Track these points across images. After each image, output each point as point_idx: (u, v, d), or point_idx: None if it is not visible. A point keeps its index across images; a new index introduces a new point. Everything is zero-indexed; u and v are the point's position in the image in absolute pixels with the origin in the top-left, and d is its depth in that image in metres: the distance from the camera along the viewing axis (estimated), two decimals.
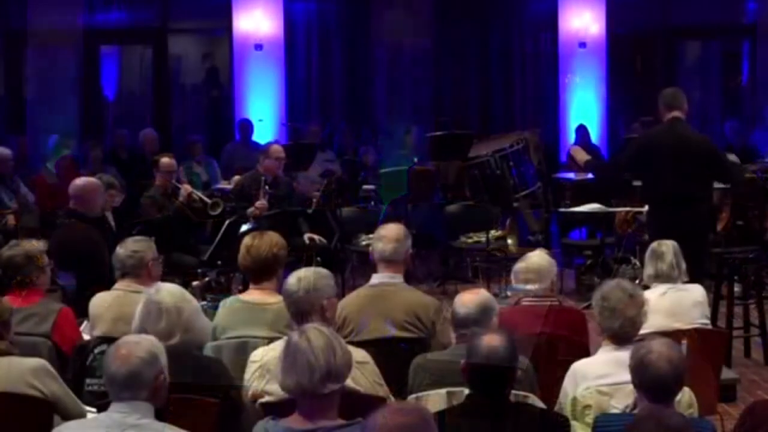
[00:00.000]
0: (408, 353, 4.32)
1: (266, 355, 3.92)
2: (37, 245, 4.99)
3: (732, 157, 9.22)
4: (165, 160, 8.16)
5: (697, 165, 6.60)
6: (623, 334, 4.00)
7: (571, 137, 12.40)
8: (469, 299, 4.10)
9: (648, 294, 5.08)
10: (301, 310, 4.03)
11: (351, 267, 9.26)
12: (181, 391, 3.58)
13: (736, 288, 7.34)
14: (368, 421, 2.73)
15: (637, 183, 8.43)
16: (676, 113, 6.68)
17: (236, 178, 9.81)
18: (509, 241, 9.23)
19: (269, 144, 9.06)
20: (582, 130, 12.14)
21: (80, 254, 6.59)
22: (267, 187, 8.24)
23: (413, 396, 3.93)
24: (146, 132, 11.09)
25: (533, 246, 7.72)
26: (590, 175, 9.84)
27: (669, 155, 6.55)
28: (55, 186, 9.69)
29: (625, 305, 4.01)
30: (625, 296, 4.04)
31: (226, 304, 4.76)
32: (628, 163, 7.06)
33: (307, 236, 8.23)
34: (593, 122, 12.51)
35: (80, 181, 6.95)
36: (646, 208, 7.30)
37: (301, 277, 4.07)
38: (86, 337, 4.86)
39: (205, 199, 8.15)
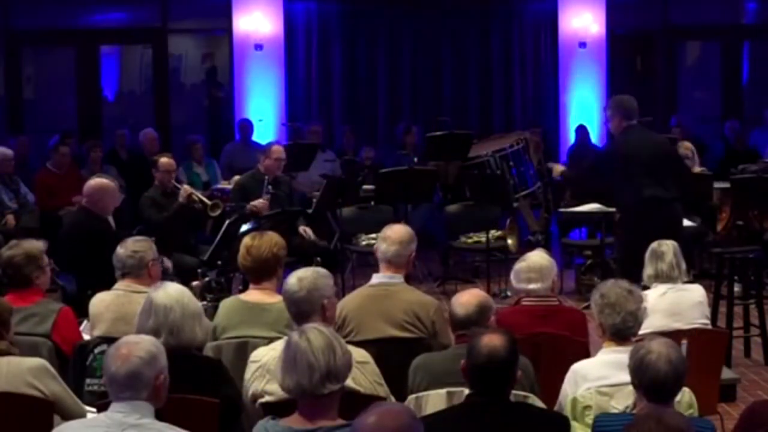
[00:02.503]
0: (408, 353, 4.32)
1: (266, 355, 3.92)
2: (37, 245, 4.99)
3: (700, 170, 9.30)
4: (164, 159, 8.15)
5: (666, 167, 6.75)
6: (626, 330, 4.00)
7: (571, 137, 12.41)
8: (467, 300, 4.11)
9: (648, 294, 5.10)
10: (302, 310, 4.02)
11: (351, 267, 9.26)
12: (181, 391, 3.58)
13: (736, 288, 7.34)
14: (357, 423, 2.72)
15: None
16: (634, 121, 6.89)
17: (237, 177, 9.80)
18: (509, 241, 9.22)
19: (270, 144, 9.06)
20: (582, 130, 12.15)
21: (85, 252, 6.60)
22: (270, 187, 8.24)
23: (413, 396, 3.93)
24: (146, 132, 11.08)
25: (533, 246, 7.72)
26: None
27: (640, 161, 6.70)
28: (55, 186, 9.68)
29: (625, 299, 4.02)
30: (623, 291, 4.06)
31: (226, 304, 4.77)
32: (604, 173, 7.16)
33: (301, 228, 8.21)
34: (593, 122, 12.51)
35: (96, 181, 6.95)
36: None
37: (301, 277, 4.07)
38: (86, 337, 4.86)
39: (205, 200, 8.15)
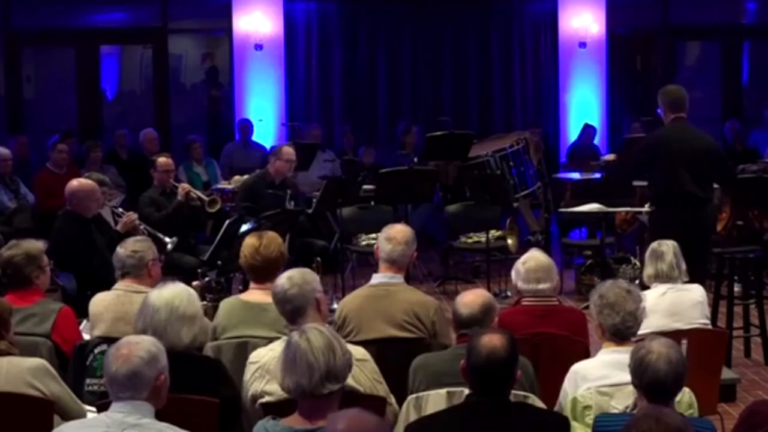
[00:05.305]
0: (408, 353, 4.32)
1: (265, 356, 3.92)
2: (37, 245, 4.99)
3: None
4: (162, 159, 8.15)
5: (706, 166, 6.62)
6: (626, 330, 3.99)
7: (571, 137, 12.41)
8: (471, 300, 4.10)
9: (648, 294, 5.09)
10: (296, 306, 4.03)
11: (351, 267, 9.26)
12: (180, 391, 3.58)
13: (736, 288, 7.33)
14: (328, 427, 2.75)
15: (638, 183, 8.43)
16: (682, 114, 6.70)
17: (236, 177, 9.79)
18: (509, 241, 9.23)
19: (281, 145, 9.02)
20: (588, 129, 12.13)
21: (77, 254, 6.60)
22: (288, 192, 8.26)
23: (413, 396, 3.93)
24: (146, 132, 11.09)
25: (533, 246, 7.72)
26: (596, 175, 9.87)
27: (681, 156, 6.55)
28: (55, 186, 9.67)
29: (624, 299, 4.01)
30: (622, 291, 4.05)
31: (226, 304, 4.77)
32: (641, 164, 7.04)
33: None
34: (593, 122, 12.51)
35: (75, 183, 6.93)
36: (646, 207, 7.29)
37: (289, 276, 4.10)
38: (86, 337, 4.86)
39: (203, 196, 8.14)
